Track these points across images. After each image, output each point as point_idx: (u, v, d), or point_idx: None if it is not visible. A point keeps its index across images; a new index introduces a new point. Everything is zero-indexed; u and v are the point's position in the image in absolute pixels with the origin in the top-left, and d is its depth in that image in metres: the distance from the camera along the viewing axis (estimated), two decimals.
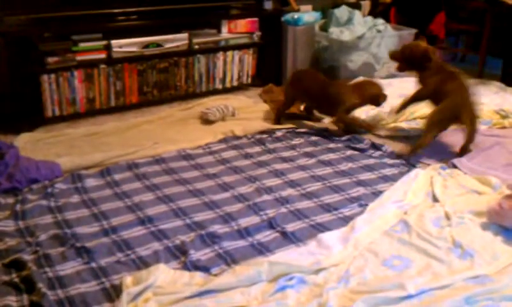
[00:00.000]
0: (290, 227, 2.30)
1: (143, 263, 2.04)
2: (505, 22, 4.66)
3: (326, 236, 2.20)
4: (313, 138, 3.33)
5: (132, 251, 2.11)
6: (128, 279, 1.91)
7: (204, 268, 2.02)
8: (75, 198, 2.52)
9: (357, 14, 4.52)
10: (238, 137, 3.29)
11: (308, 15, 4.38)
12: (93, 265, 2.02)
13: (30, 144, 3.08)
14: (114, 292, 1.88)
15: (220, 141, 3.22)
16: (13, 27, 3.28)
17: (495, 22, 4.66)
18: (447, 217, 2.36)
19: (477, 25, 4.86)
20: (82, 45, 3.42)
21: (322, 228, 2.31)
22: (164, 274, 1.94)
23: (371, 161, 3.01)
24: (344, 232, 2.25)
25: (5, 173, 2.63)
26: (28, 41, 3.26)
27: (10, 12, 3.25)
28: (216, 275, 1.97)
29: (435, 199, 2.53)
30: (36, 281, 1.88)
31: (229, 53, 4.07)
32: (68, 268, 2.00)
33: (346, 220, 2.36)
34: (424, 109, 3.68)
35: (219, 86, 4.11)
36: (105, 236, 2.20)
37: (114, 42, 3.50)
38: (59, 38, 3.39)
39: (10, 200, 2.47)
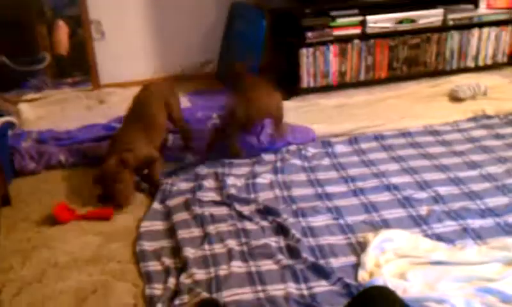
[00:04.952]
0: None
1: (386, 226, 2.16)
2: None
3: None
4: None
5: (378, 213, 2.25)
6: (371, 237, 2.05)
7: (448, 239, 2.05)
8: (326, 161, 2.74)
9: None
10: (489, 117, 3.18)
11: None
12: (341, 221, 2.21)
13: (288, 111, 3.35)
14: (359, 247, 2.04)
15: (469, 119, 3.15)
16: (276, 3, 3.61)
17: None
18: None
19: None
20: (340, 21, 3.61)
21: None
22: (405, 238, 2.04)
23: None
24: None
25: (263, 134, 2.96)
26: (290, 16, 3.57)
27: None
28: (461, 248, 1.99)
29: None
30: (289, 229, 2.13)
31: (485, 30, 3.89)
32: (319, 221, 2.22)
33: None
34: None
35: (470, 63, 3.96)
36: (353, 197, 2.38)
37: (369, 18, 3.62)
38: (319, 14, 3.61)
39: (272, 158, 2.80)
